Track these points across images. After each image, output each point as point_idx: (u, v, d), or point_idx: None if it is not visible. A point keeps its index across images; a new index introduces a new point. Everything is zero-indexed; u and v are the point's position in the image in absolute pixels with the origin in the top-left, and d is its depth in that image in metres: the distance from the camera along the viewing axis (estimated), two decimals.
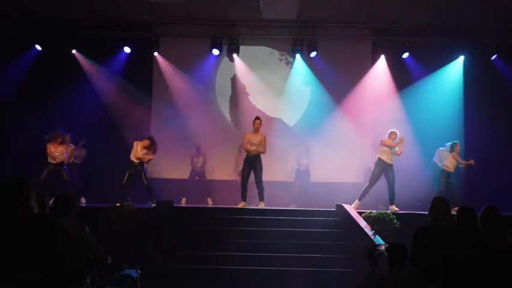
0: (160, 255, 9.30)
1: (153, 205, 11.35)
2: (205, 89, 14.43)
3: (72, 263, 3.25)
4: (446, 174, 11.89)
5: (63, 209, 4.60)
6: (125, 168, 11.82)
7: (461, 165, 12.11)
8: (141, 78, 14.27)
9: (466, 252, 4.48)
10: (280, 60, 14.63)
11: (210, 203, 13.45)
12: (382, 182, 11.52)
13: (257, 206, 11.59)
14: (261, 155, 11.48)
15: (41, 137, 12.39)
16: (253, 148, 11.43)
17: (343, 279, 8.70)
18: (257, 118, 11.66)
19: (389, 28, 13.83)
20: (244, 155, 11.75)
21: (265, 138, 11.55)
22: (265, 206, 11.53)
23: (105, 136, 13.57)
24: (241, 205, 11.41)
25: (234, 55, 14.24)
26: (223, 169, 14.15)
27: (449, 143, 12.04)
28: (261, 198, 11.55)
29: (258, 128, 11.53)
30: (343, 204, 10.92)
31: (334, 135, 13.45)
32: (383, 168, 11.39)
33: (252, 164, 11.45)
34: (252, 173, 11.55)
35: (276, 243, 9.73)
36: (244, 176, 11.52)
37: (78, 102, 13.54)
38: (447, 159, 11.96)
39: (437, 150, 12.47)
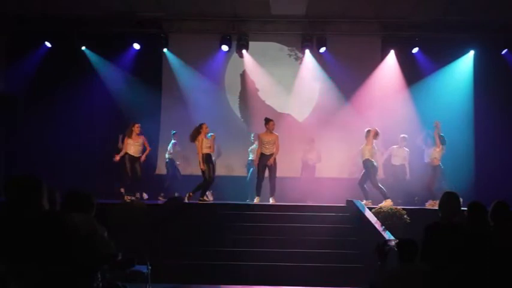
0: (171, 251, 9.33)
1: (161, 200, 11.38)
2: (214, 85, 14.42)
3: (81, 259, 3.27)
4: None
5: (73, 205, 4.62)
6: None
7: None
8: (150, 74, 14.32)
9: (476, 247, 4.46)
10: (290, 56, 14.60)
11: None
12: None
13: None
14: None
15: (50, 134, 12.46)
16: (267, 149, 11.71)
17: (354, 274, 8.68)
18: (272, 120, 11.90)
19: (399, 23, 13.76)
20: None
21: (277, 138, 11.74)
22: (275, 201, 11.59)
23: (115, 132, 13.60)
24: (256, 200, 11.57)
25: (244, 51, 14.22)
26: (233, 165, 14.14)
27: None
28: (272, 194, 11.65)
29: (273, 129, 11.79)
30: (354, 200, 10.92)
31: (344, 131, 13.40)
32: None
33: (267, 162, 11.66)
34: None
35: (286, 239, 9.74)
36: (260, 173, 11.73)
37: (87, 99, 13.62)
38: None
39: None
